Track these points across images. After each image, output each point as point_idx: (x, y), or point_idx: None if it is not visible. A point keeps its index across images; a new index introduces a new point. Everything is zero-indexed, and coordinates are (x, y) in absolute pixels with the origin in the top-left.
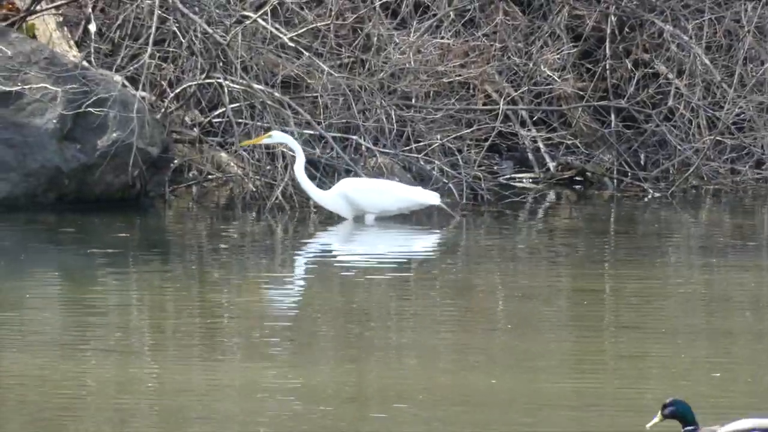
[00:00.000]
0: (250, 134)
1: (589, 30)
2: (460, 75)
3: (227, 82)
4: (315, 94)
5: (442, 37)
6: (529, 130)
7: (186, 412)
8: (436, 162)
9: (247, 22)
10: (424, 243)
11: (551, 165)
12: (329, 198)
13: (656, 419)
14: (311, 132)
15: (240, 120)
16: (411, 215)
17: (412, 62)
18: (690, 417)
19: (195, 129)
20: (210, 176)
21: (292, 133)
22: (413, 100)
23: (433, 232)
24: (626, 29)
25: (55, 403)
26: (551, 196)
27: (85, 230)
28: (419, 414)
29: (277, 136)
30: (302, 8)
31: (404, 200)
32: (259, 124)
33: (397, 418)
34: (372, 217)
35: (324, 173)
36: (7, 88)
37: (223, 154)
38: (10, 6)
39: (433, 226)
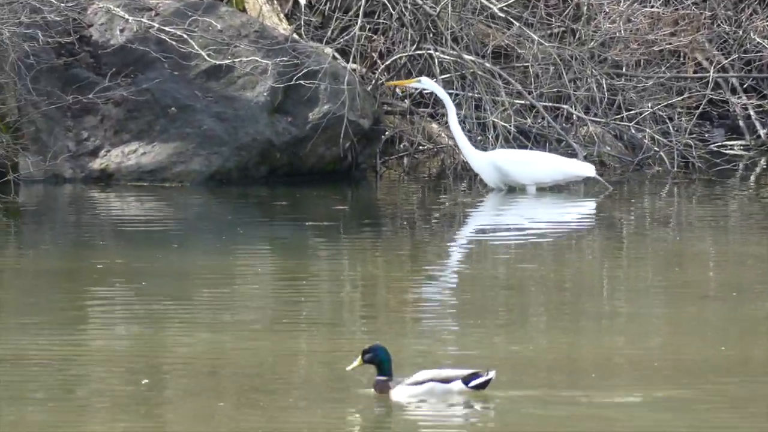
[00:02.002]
0: (460, 104)
1: None
2: (670, 43)
3: (438, 53)
4: (525, 64)
5: (652, 6)
6: (740, 97)
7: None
8: (647, 130)
9: None
10: (632, 211)
11: (762, 132)
12: (481, 161)
13: (356, 363)
14: (522, 102)
15: (451, 91)
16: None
17: (622, 31)
18: (386, 366)
19: (406, 101)
20: (421, 147)
21: (502, 103)
22: (624, 69)
23: (642, 201)
24: None
25: (268, 376)
26: (762, 163)
27: (297, 203)
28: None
29: (425, 82)
30: None
31: (559, 172)
32: (470, 94)
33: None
34: (533, 188)
35: (535, 142)
36: (218, 62)
37: (434, 125)
38: None
39: (645, 194)
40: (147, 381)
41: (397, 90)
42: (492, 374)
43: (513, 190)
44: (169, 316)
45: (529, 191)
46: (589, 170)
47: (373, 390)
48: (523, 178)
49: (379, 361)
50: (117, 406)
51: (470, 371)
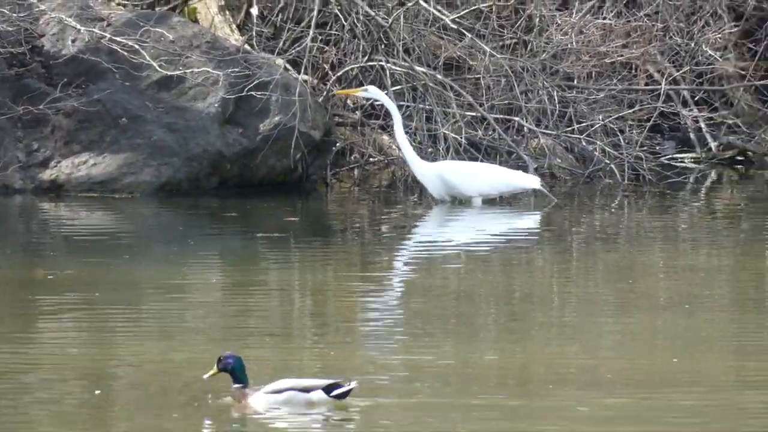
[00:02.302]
0: (411, 116)
1: (750, 9)
2: (622, 55)
3: (389, 65)
4: (477, 76)
5: (604, 18)
6: (691, 109)
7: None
8: (598, 142)
9: (409, 3)
10: (584, 224)
11: (713, 145)
12: (427, 172)
13: (212, 371)
14: (473, 114)
15: (402, 102)
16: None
17: (574, 43)
18: (239, 373)
19: (357, 112)
20: (372, 159)
21: (453, 115)
22: (575, 81)
23: (592, 213)
24: None
25: (216, 386)
26: (712, 175)
27: (248, 214)
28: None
29: (372, 91)
30: None
31: (504, 184)
32: (421, 106)
33: (561, 400)
34: (479, 200)
35: (486, 155)
36: (169, 73)
37: (385, 137)
38: None
39: (595, 207)
40: (99, 392)
41: (349, 101)
42: (353, 384)
43: (459, 201)
44: (120, 327)
45: (474, 203)
46: (534, 182)
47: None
48: (468, 190)
49: (231, 369)
50: (65, 415)
51: (332, 381)
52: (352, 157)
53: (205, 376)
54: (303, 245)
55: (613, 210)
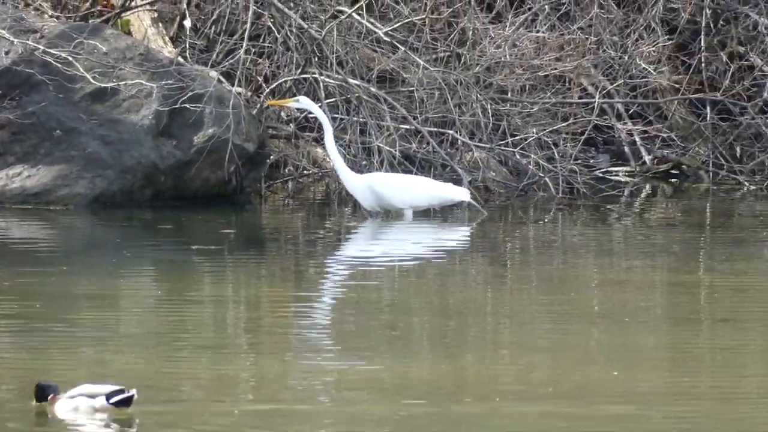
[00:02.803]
0: (345, 129)
1: (684, 23)
2: (555, 68)
3: (323, 77)
4: (411, 89)
5: (538, 31)
6: (625, 123)
7: (285, 407)
8: (532, 156)
9: (342, 16)
10: (518, 237)
11: (647, 158)
12: (357, 183)
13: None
14: (407, 126)
15: (336, 115)
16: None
17: (507, 56)
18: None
19: (291, 125)
20: (306, 172)
21: (387, 128)
22: (509, 94)
23: (526, 226)
24: (721, 22)
25: (155, 400)
26: (647, 189)
27: (182, 227)
28: (519, 409)
29: (303, 102)
30: (397, 2)
31: (434, 196)
32: (354, 119)
33: (497, 413)
34: (410, 212)
35: (420, 168)
36: (103, 84)
37: (319, 150)
38: (105, 2)
39: (529, 220)
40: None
41: (283, 114)
42: (133, 392)
43: (390, 214)
44: (54, 338)
45: (406, 215)
46: (464, 195)
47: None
48: (399, 202)
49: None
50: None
51: (116, 388)
52: (287, 170)
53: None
54: (237, 257)
55: (547, 223)
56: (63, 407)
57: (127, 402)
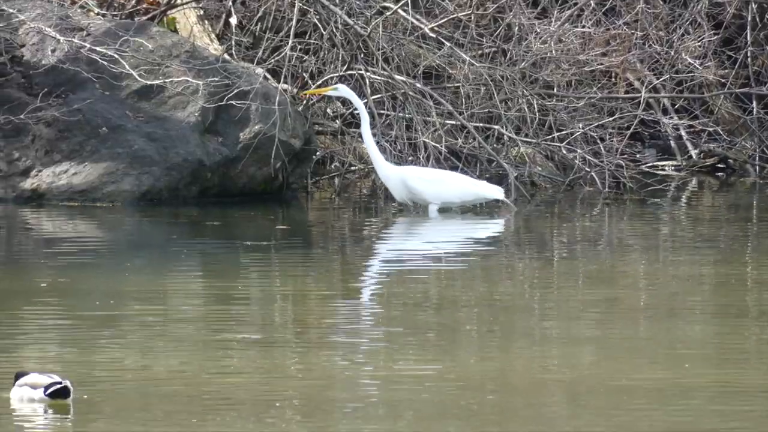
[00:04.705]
0: (391, 125)
1: (729, 17)
2: (601, 63)
3: (368, 74)
4: (456, 84)
5: (583, 26)
6: (671, 117)
7: (332, 402)
8: (578, 151)
9: (388, 13)
10: (565, 232)
11: (693, 152)
12: (390, 175)
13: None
14: (453, 122)
15: (382, 111)
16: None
17: (553, 51)
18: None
19: (337, 120)
20: (352, 167)
21: (433, 124)
22: (555, 89)
23: (572, 221)
24: (767, 16)
25: (202, 396)
26: (693, 183)
27: (228, 223)
28: (567, 405)
29: (342, 89)
30: None
31: (467, 193)
32: (401, 115)
33: (544, 408)
34: (435, 208)
35: (466, 163)
36: (149, 82)
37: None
38: (151, 0)
39: (576, 215)
40: (86, 396)
41: (329, 110)
42: (67, 383)
43: (420, 207)
44: (101, 336)
45: (431, 211)
46: (497, 193)
47: None
48: (430, 197)
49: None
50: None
51: (55, 380)
52: (333, 166)
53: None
54: (287, 254)
55: (593, 218)
56: (13, 395)
57: (63, 393)
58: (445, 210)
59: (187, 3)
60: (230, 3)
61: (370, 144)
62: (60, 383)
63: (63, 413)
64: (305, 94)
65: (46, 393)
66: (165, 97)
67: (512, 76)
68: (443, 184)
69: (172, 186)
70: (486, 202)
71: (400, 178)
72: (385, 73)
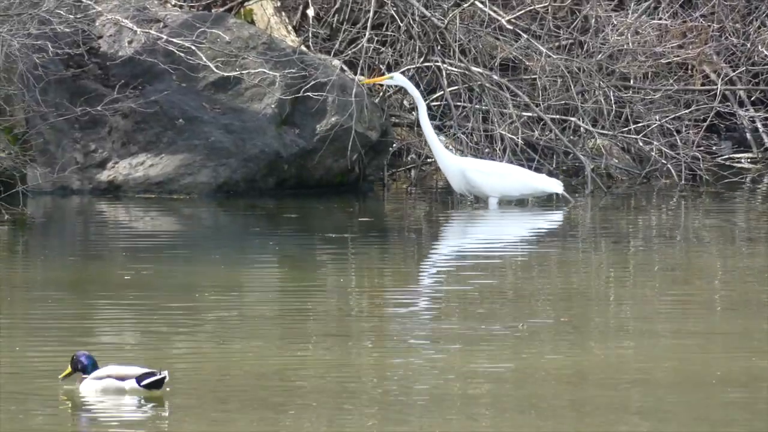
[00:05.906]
0: (468, 117)
1: None
2: (677, 56)
3: (445, 66)
4: (533, 76)
5: (660, 18)
6: (748, 110)
7: (408, 395)
8: (655, 143)
9: (465, 5)
10: (641, 224)
11: None
12: (450, 165)
13: (65, 372)
14: (530, 114)
15: (458, 103)
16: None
17: (630, 43)
18: (90, 369)
19: (413, 113)
20: (429, 159)
21: (510, 116)
22: (631, 81)
23: (648, 213)
24: None
25: (278, 388)
26: None
27: (306, 215)
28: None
29: (398, 79)
30: None
31: (526, 186)
32: (477, 107)
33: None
34: (495, 200)
35: (542, 155)
36: (226, 74)
37: (442, 138)
38: None
39: (652, 207)
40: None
41: (405, 102)
42: (165, 374)
43: (478, 199)
44: (177, 328)
45: (491, 203)
46: (556, 186)
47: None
48: (489, 190)
49: (83, 366)
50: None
51: (147, 370)
52: (409, 158)
53: (60, 377)
54: (367, 246)
55: (669, 210)
56: (90, 388)
57: (157, 384)
58: (504, 203)
59: None
60: None
61: (429, 133)
62: (154, 373)
63: (138, 405)
64: (363, 83)
65: (141, 384)
66: (242, 88)
67: (589, 68)
68: (502, 177)
69: (249, 178)
70: (546, 195)
71: (459, 169)
72: (462, 65)
